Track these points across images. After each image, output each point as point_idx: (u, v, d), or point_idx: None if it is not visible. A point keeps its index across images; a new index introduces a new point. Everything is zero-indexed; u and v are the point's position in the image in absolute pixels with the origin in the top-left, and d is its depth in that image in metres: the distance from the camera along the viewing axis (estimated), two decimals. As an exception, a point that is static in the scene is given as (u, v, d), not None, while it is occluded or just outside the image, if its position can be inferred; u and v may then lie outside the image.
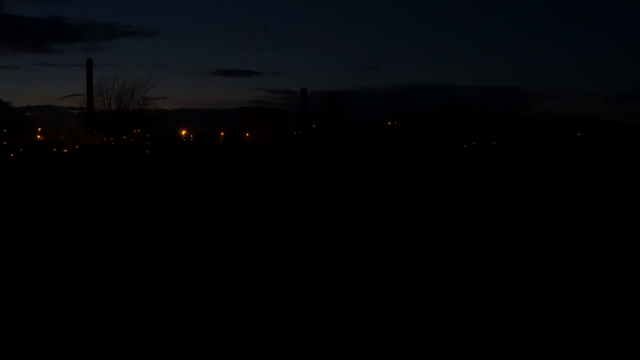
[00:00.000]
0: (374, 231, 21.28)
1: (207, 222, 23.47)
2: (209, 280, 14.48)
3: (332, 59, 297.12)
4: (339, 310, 12.01)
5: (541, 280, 14.20)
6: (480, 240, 19.44)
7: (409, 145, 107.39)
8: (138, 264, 16.26)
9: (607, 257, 16.69)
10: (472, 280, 14.30)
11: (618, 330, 10.83)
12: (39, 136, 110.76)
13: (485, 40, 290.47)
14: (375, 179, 45.20)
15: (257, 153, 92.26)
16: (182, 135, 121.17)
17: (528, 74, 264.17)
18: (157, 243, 19.15)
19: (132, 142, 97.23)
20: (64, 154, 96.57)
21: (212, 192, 36.72)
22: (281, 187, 38.76)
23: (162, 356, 9.90)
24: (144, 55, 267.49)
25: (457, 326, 11.05)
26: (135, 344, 10.30)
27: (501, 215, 25.03)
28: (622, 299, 12.78)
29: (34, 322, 11.40)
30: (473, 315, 11.65)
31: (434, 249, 17.94)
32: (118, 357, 9.85)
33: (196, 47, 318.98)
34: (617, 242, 18.90)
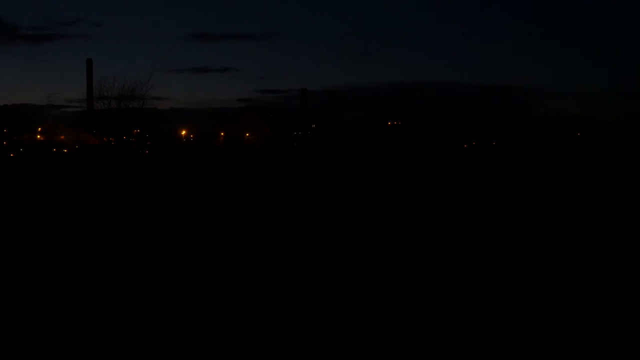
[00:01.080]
0: (373, 231, 21.27)
1: (208, 222, 23.45)
2: (208, 279, 14.48)
3: (325, 55, 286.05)
4: (338, 309, 12.00)
5: (540, 280, 14.20)
6: (479, 239, 19.42)
7: (409, 146, 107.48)
8: (138, 263, 16.24)
9: (607, 257, 16.69)
10: (471, 279, 14.29)
11: (618, 330, 10.83)
12: (38, 136, 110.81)
13: (486, 38, 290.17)
14: (376, 181, 45.18)
15: (258, 153, 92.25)
16: (181, 135, 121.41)
17: (529, 73, 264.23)
18: (157, 242, 19.13)
19: (132, 142, 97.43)
20: (64, 154, 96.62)
21: (213, 192, 36.70)
22: (283, 188, 38.74)
23: (162, 356, 9.89)
24: (86, 51, 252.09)
25: (457, 325, 11.05)
26: (135, 343, 10.28)
27: (502, 217, 25.01)
28: (622, 298, 12.77)
29: (34, 321, 11.38)
30: (472, 315, 11.64)
31: (433, 250, 17.92)
32: (118, 356, 9.84)
33: (148, 40, 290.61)
34: (616, 242, 18.90)
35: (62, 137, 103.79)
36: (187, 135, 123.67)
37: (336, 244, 19.08)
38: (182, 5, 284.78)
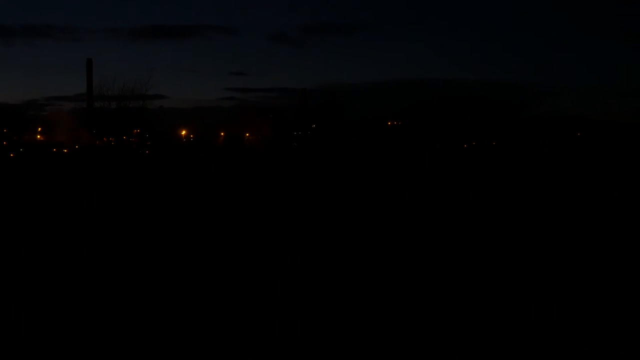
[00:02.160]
0: (373, 232, 21.27)
1: (211, 221, 23.44)
2: (208, 279, 14.50)
3: (310, 51, 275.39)
4: (338, 310, 12.01)
5: (541, 281, 14.22)
6: (480, 242, 19.43)
7: (409, 146, 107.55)
8: (137, 263, 16.26)
9: (608, 258, 16.72)
10: (472, 281, 14.30)
11: (618, 330, 10.85)
12: (38, 136, 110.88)
13: (486, 36, 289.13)
14: (378, 181, 45.18)
15: (258, 153, 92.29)
16: (181, 134, 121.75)
17: (529, 71, 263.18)
18: (157, 242, 19.14)
19: (132, 142, 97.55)
20: (64, 153, 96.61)
21: (214, 192, 36.69)
22: (286, 188, 38.73)
23: (162, 356, 9.90)
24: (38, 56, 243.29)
25: (457, 326, 11.06)
26: (135, 343, 10.28)
27: (503, 217, 25.01)
28: (622, 299, 12.79)
29: (33, 321, 11.37)
30: (472, 315, 11.66)
31: (433, 252, 17.92)
32: (118, 357, 9.84)
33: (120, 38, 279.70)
34: (617, 243, 18.93)
35: (62, 137, 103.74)
36: (186, 135, 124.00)
37: (336, 243, 19.10)
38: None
